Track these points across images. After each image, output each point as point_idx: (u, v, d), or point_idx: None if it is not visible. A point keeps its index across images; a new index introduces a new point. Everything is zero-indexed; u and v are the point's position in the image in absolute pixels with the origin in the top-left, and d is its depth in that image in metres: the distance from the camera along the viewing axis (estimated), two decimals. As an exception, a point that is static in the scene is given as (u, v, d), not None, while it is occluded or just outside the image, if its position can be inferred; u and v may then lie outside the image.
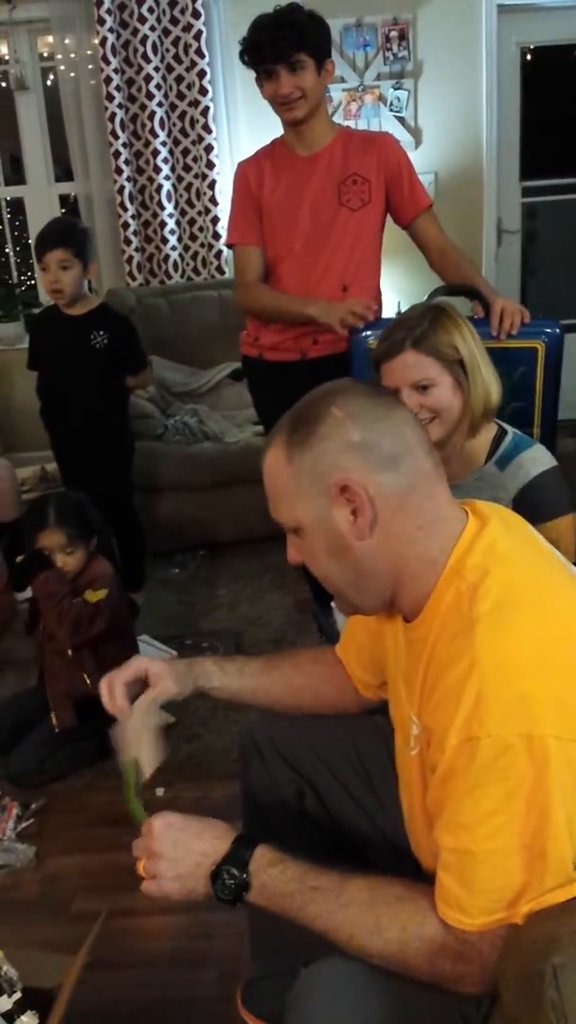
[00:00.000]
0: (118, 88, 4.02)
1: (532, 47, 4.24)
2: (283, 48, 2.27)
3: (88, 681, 2.42)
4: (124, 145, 4.09)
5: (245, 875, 1.10)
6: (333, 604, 2.19)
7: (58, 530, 2.40)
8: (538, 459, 1.77)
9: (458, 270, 2.41)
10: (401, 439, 1.09)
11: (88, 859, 2.10)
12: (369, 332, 2.22)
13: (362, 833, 1.42)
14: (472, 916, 0.99)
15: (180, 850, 1.12)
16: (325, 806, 1.44)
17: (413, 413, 1.15)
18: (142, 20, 3.92)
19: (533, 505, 1.68)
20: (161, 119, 4.07)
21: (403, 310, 2.15)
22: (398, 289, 3.51)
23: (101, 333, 2.84)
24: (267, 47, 2.28)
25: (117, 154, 4.08)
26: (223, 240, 4.16)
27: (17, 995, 1.41)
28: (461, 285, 2.28)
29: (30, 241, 4.21)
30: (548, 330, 2.12)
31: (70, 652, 2.42)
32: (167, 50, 4.02)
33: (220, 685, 1.39)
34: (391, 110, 4.11)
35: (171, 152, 4.14)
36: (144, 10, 3.91)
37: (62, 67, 4.16)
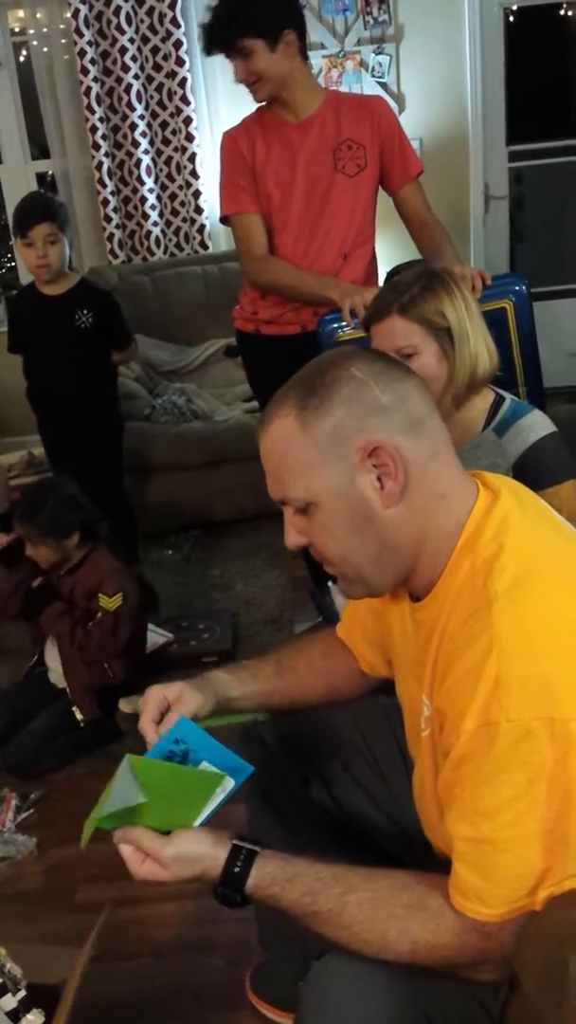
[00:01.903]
0: (92, 61, 3.93)
1: (515, 8, 4.15)
2: (227, 38, 2.22)
3: (111, 672, 2.40)
4: (101, 120, 4.01)
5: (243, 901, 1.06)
6: (330, 584, 2.16)
7: (25, 523, 2.39)
8: (537, 425, 1.73)
9: (433, 246, 2.36)
10: (422, 400, 1.05)
11: (90, 848, 2.03)
12: (339, 325, 2.20)
13: (369, 818, 1.39)
14: (493, 907, 0.96)
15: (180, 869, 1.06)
16: (331, 792, 1.41)
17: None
18: (115, -11, 3.83)
19: (533, 471, 1.65)
20: (138, 92, 3.99)
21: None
22: (387, 260, 3.45)
23: (85, 312, 2.78)
24: (210, 38, 2.24)
25: (94, 129, 4.00)
26: (206, 214, 4.09)
27: (22, 993, 1.37)
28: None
29: (6, 222, 4.12)
30: (515, 287, 2.10)
31: None
32: (141, 20, 3.92)
33: (239, 694, 1.31)
34: (373, 76, 4.03)
35: (149, 126, 4.06)
36: (116, -21, 3.81)
37: (34, 42, 4.06)
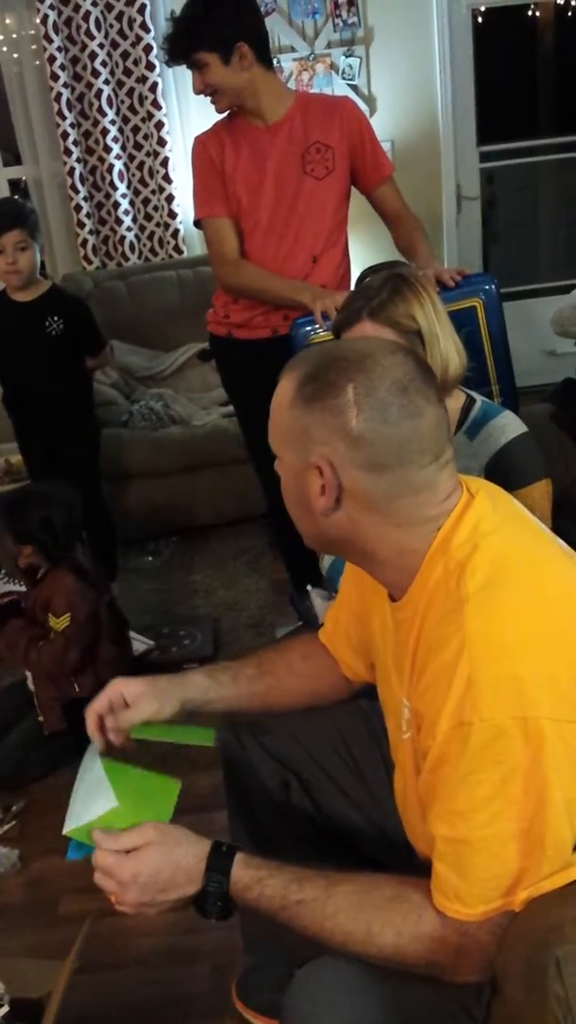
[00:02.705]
0: (62, 67, 3.90)
1: (483, 9, 4.16)
2: (177, 50, 2.24)
3: (76, 686, 2.38)
4: (72, 125, 3.98)
5: (226, 904, 1.06)
6: (309, 587, 2.16)
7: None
8: (508, 426, 1.74)
9: (408, 241, 2.39)
10: (401, 448, 1.01)
11: (72, 859, 2.06)
12: (311, 327, 2.20)
13: (350, 822, 1.39)
14: (471, 906, 0.96)
15: (150, 898, 1.06)
16: (311, 796, 1.40)
17: (446, 411, 1.07)
18: (83, -5, 3.81)
19: (505, 473, 1.65)
20: (109, 97, 3.97)
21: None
22: (361, 261, 3.46)
23: (56, 319, 2.77)
24: (169, 50, 2.27)
25: (65, 135, 3.97)
26: (179, 219, 4.08)
27: (5, 1008, 1.37)
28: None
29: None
30: (485, 286, 2.12)
31: None
32: (111, 26, 3.90)
33: (217, 697, 1.32)
34: (343, 78, 4.02)
35: (121, 131, 4.04)
36: (85, -16, 3.79)
37: (3, 48, 4.03)
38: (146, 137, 4.03)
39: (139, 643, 2.78)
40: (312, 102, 2.42)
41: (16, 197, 4.16)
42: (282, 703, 1.37)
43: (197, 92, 2.32)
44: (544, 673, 0.94)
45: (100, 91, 3.93)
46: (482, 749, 0.93)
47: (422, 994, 1.00)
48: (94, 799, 1.16)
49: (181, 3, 2.30)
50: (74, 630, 2.34)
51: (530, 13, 4.87)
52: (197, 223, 2.47)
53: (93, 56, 3.89)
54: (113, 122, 4.00)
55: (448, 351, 1.67)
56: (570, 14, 4.67)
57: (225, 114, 2.41)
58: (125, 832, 1.08)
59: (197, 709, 1.31)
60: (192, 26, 2.21)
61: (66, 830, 1.12)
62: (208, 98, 2.33)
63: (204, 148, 2.39)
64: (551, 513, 1.71)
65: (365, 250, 3.06)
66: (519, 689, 0.93)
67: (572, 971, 0.77)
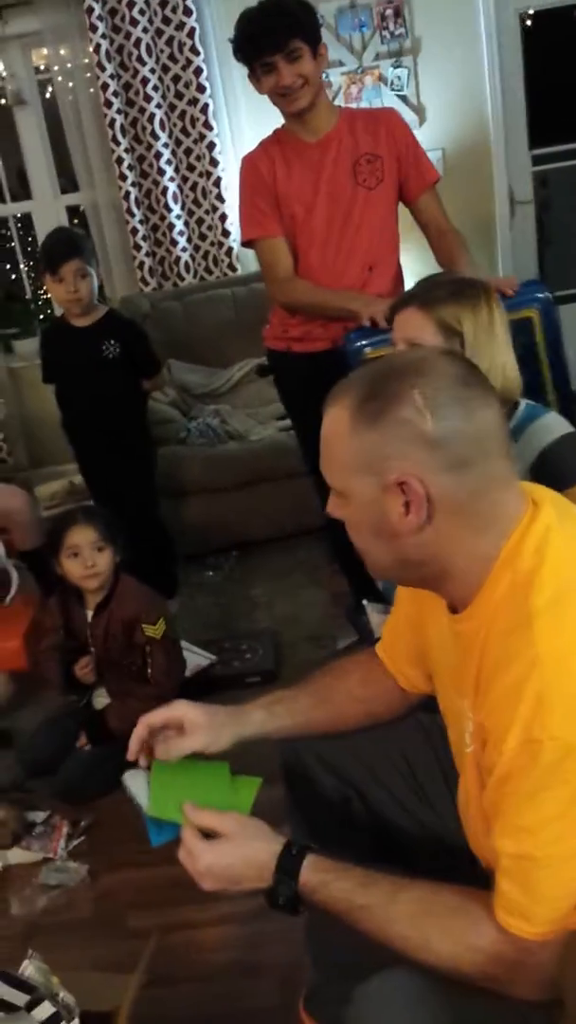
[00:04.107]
0: (115, 94, 3.99)
1: (531, 12, 4.13)
2: (279, 38, 2.22)
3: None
4: (126, 151, 4.07)
5: (294, 902, 1.08)
6: (365, 602, 2.16)
7: (87, 526, 2.39)
8: (552, 425, 1.72)
9: (449, 255, 2.38)
10: (479, 440, 1.00)
11: (140, 874, 2.08)
12: (366, 341, 2.19)
13: (411, 836, 1.38)
14: (535, 925, 0.95)
15: (223, 887, 1.11)
16: (372, 811, 1.40)
17: (502, 407, 1.07)
18: (134, 23, 3.89)
19: (551, 472, 1.63)
20: (161, 121, 4.04)
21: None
22: (412, 272, 3.45)
23: (112, 343, 2.83)
24: (263, 39, 2.23)
25: (120, 160, 4.06)
26: (233, 237, 4.12)
27: (76, 1021, 1.39)
28: (446, 270, 2.27)
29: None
30: (539, 295, 2.10)
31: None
32: (161, 51, 3.98)
33: (274, 729, 1.32)
34: (392, 89, 4.03)
35: (173, 153, 4.11)
36: (135, 13, 3.87)
37: (59, 78, 4.14)
38: (198, 158, 4.09)
39: (201, 658, 2.80)
40: (357, 116, 2.45)
41: (72, 226, 4.26)
42: (339, 728, 1.37)
43: (287, 84, 2.25)
44: None
45: (152, 115, 4.01)
46: (552, 767, 0.92)
47: (484, 1009, 0.99)
48: (172, 786, 1.21)
49: (232, 24, 2.31)
50: (171, 632, 2.37)
51: (580, 13, 4.80)
52: (247, 243, 2.49)
53: (145, 81, 3.97)
54: (166, 145, 4.07)
55: (497, 367, 1.65)
56: (623, 12, 4.60)
57: (272, 132, 2.44)
58: (210, 812, 1.13)
59: (255, 739, 1.32)
60: (298, 12, 2.24)
61: (148, 811, 1.17)
62: (291, 93, 2.27)
63: (254, 166, 2.41)
64: None
65: (417, 262, 3.06)
66: None
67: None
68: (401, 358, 1.08)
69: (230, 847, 1.11)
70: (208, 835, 1.13)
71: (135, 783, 1.25)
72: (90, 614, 2.47)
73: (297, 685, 1.40)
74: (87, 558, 2.37)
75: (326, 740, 1.40)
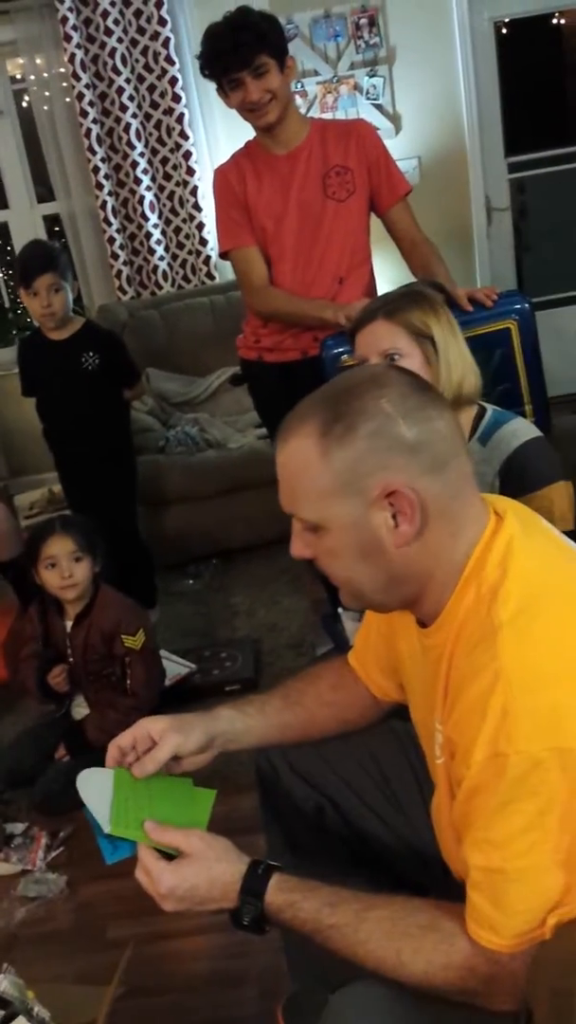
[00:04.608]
0: (91, 103, 3.99)
1: (506, 20, 4.17)
2: (245, 55, 2.22)
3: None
4: (102, 160, 4.07)
5: (260, 922, 1.07)
6: (340, 610, 2.16)
7: (65, 536, 2.38)
8: (519, 431, 1.74)
9: (424, 266, 2.39)
10: (452, 439, 1.02)
11: (120, 884, 2.05)
12: (343, 348, 2.20)
13: (385, 844, 1.38)
14: (505, 937, 0.95)
15: (186, 908, 1.09)
16: (346, 820, 1.40)
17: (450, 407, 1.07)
18: (108, 33, 3.89)
19: (519, 476, 1.65)
20: (137, 130, 4.05)
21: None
22: (385, 280, 3.47)
23: (91, 354, 2.82)
24: (228, 56, 2.23)
25: (96, 169, 4.06)
26: (210, 246, 4.13)
27: (51, 1035, 1.38)
28: (424, 280, 2.26)
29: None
30: (517, 306, 2.11)
31: None
32: (136, 60, 3.99)
33: (244, 728, 1.29)
34: (368, 98, 4.06)
35: (150, 162, 4.11)
36: (110, 23, 3.88)
37: (34, 88, 4.14)
38: (175, 167, 4.10)
39: (180, 667, 2.80)
40: (328, 127, 2.46)
41: (50, 235, 4.25)
42: (311, 733, 1.36)
43: (254, 99, 2.26)
44: None
45: (128, 125, 4.02)
46: (518, 780, 0.92)
47: (456, 1017, 1.00)
48: (122, 799, 1.18)
49: (200, 33, 2.33)
50: (150, 643, 2.37)
51: (555, 21, 4.85)
52: (224, 255, 2.51)
53: (120, 91, 3.98)
54: (142, 154, 4.08)
55: (463, 367, 1.68)
56: (596, 20, 4.65)
57: (243, 144, 2.45)
58: (173, 830, 1.11)
59: (226, 747, 1.28)
60: (264, 27, 2.24)
61: (107, 829, 1.14)
62: (258, 109, 2.29)
63: (225, 179, 2.43)
64: None
65: (390, 270, 3.08)
66: (555, 720, 0.92)
67: (597, 995, 0.77)
68: (351, 377, 1.07)
69: (194, 868, 1.07)
70: (166, 853, 1.10)
71: (90, 790, 1.22)
72: (70, 624, 2.46)
73: (270, 690, 1.40)
74: (64, 569, 2.36)
75: (299, 748, 1.40)
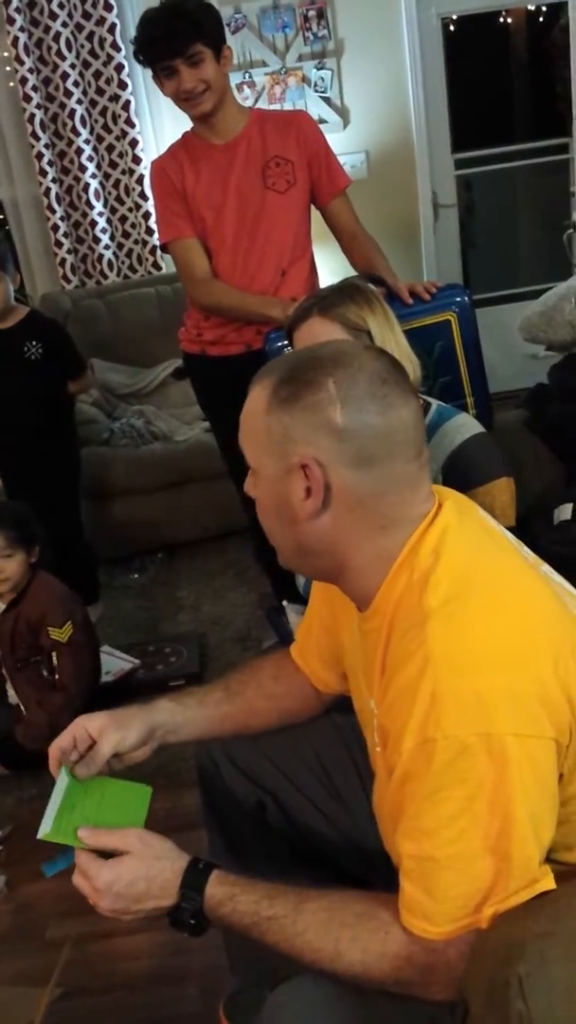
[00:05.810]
0: (35, 88, 3.91)
1: (454, 17, 4.19)
2: (179, 43, 2.18)
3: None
4: (46, 146, 3.99)
5: (200, 920, 1.06)
6: (285, 603, 2.16)
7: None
8: (463, 426, 1.74)
9: (365, 259, 2.38)
10: (388, 439, 1.01)
11: (59, 883, 2.04)
12: (285, 343, 2.19)
13: (327, 838, 1.38)
14: (438, 924, 0.95)
15: (123, 907, 1.06)
16: (288, 816, 1.40)
17: (420, 406, 1.08)
18: (53, 17, 3.81)
19: (462, 472, 1.66)
20: (82, 117, 3.98)
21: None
22: (328, 273, 3.46)
23: (34, 343, 2.77)
24: (162, 43, 2.19)
25: (40, 156, 3.98)
26: (156, 236, 4.08)
27: (-15, 1039, 1.35)
28: (366, 273, 2.26)
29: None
30: (457, 299, 2.12)
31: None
32: (82, 46, 3.92)
33: (183, 719, 1.29)
34: (316, 91, 4.04)
35: (95, 150, 4.05)
36: (54, 6, 3.80)
37: (-24, 71, 4.05)
38: (121, 155, 4.04)
39: (124, 662, 2.77)
40: (267, 118, 2.42)
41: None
42: (252, 724, 1.36)
43: (186, 90, 2.23)
44: (507, 688, 0.94)
45: (73, 111, 3.95)
46: (446, 766, 0.93)
47: (391, 1011, 1.00)
48: (68, 805, 1.16)
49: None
50: (79, 636, 2.33)
51: (501, 20, 4.90)
52: (164, 247, 2.48)
53: (65, 76, 3.90)
54: (87, 141, 4.01)
55: (405, 356, 1.68)
56: (541, 20, 4.70)
57: (180, 136, 2.42)
58: (108, 832, 1.09)
59: (166, 739, 1.28)
60: (199, 15, 2.19)
61: (41, 834, 1.12)
62: (193, 98, 2.25)
63: (163, 171, 2.39)
64: (519, 516, 1.71)
65: (332, 262, 3.07)
66: (482, 705, 0.92)
67: (534, 988, 0.77)
68: (327, 348, 1.08)
69: (132, 864, 1.06)
70: (105, 855, 1.08)
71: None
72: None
73: (208, 684, 1.39)
74: None
75: (240, 744, 1.39)
